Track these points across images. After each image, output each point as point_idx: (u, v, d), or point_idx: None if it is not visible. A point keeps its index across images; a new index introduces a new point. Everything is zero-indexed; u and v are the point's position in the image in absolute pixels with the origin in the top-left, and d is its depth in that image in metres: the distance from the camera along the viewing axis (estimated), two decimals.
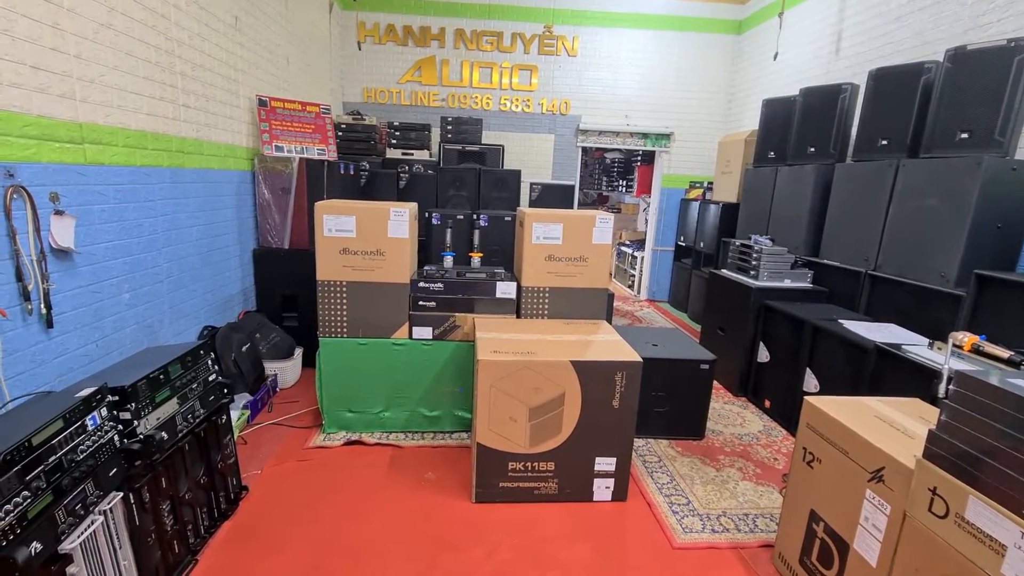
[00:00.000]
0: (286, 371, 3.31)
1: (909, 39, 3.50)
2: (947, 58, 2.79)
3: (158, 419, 1.67)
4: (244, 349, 2.95)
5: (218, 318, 3.11)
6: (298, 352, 3.45)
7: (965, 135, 2.69)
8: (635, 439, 2.81)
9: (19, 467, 1.20)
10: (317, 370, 2.72)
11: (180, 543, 1.79)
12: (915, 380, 2.24)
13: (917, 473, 1.37)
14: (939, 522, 1.30)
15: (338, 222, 2.56)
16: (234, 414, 2.67)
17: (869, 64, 3.66)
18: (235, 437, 2.50)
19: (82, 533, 1.33)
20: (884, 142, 3.20)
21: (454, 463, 2.55)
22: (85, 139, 2.02)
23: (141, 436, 1.58)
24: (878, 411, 1.75)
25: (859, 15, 4.01)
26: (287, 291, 3.55)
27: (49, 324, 1.86)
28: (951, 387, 1.32)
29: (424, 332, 2.72)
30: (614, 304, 5.69)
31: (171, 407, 1.74)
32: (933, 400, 1.89)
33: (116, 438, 1.51)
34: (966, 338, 2.02)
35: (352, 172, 4.56)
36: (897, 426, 1.64)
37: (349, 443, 2.68)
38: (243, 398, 2.84)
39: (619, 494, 2.31)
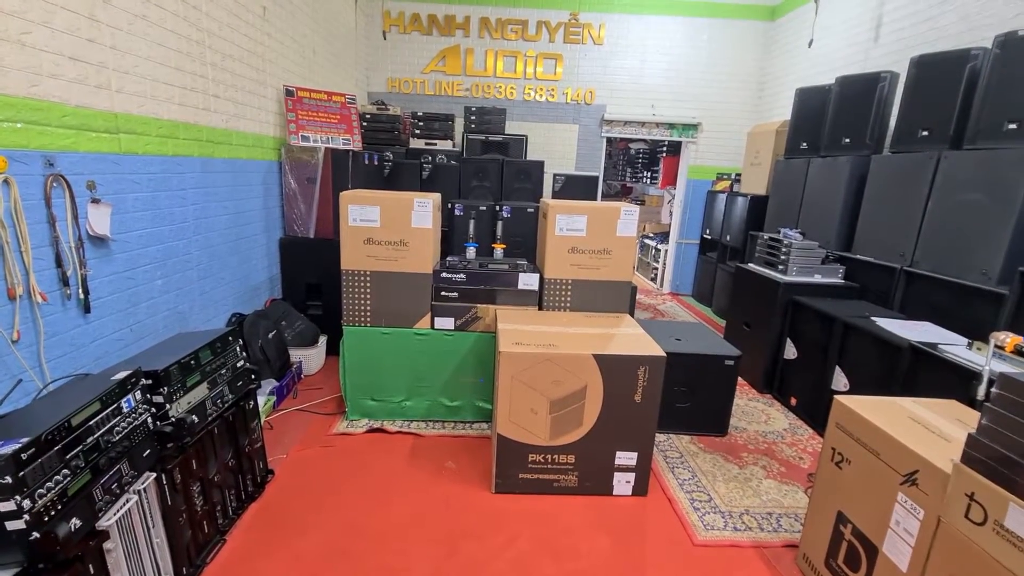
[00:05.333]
0: (310, 358, 3.37)
1: (954, 24, 3.34)
2: (996, 44, 2.65)
3: (189, 403, 1.72)
4: (270, 336, 3.01)
5: (245, 306, 3.17)
6: (322, 340, 3.50)
7: (1013, 125, 2.56)
8: (656, 434, 2.78)
9: (60, 446, 1.24)
10: (341, 358, 2.76)
11: (210, 523, 1.84)
12: (952, 381, 2.16)
13: (954, 478, 1.33)
14: (976, 529, 1.25)
15: (363, 212, 2.58)
16: (260, 400, 2.73)
17: (910, 51, 3.50)
18: (262, 422, 2.57)
19: (118, 511, 1.38)
20: (925, 133, 3.07)
21: (474, 453, 2.56)
22: (120, 129, 2.08)
23: (173, 419, 1.62)
24: (912, 412, 1.69)
25: None
26: (312, 280, 3.60)
27: (87, 309, 1.93)
28: (993, 390, 1.27)
29: (446, 322, 2.73)
30: (636, 297, 5.64)
31: (201, 391, 1.79)
32: (971, 402, 1.82)
33: (149, 420, 1.56)
34: (1008, 339, 1.94)
35: (376, 162, 4.59)
36: (932, 428, 1.59)
37: (371, 431, 2.72)
38: (269, 384, 2.90)
39: (639, 489, 2.29)
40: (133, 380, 1.52)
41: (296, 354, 3.29)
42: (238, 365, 2.04)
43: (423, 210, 2.61)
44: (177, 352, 1.76)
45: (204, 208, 2.70)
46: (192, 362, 1.76)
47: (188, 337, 1.99)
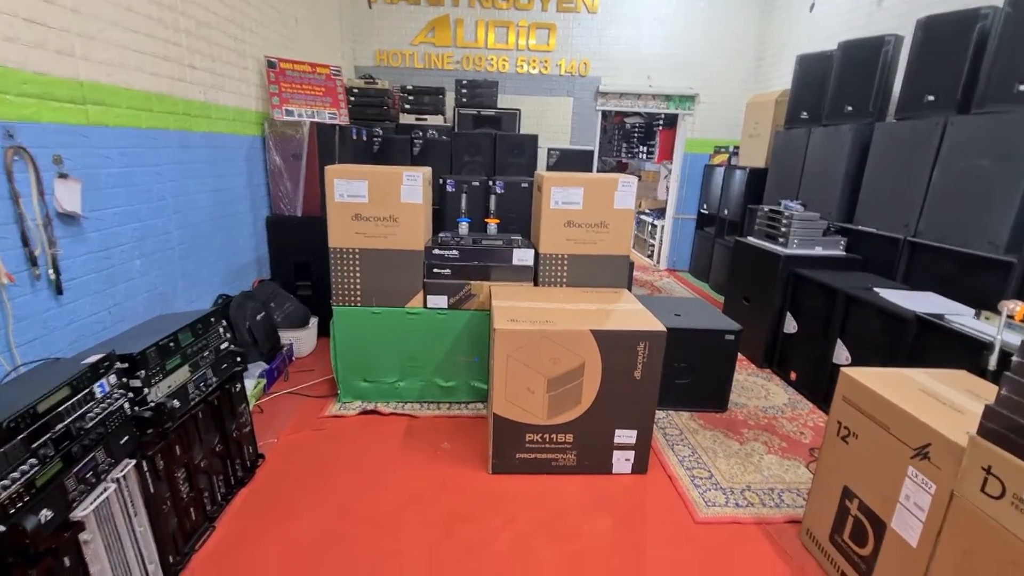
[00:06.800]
0: (301, 340, 3.29)
1: None
2: (1008, 2, 2.54)
3: (169, 387, 1.64)
4: (258, 318, 2.92)
5: (232, 286, 3.08)
6: (313, 321, 3.42)
7: None
8: (656, 411, 2.74)
9: (24, 435, 1.16)
10: (331, 339, 2.68)
11: (197, 510, 1.78)
12: (959, 352, 2.10)
13: (969, 450, 1.27)
14: (993, 503, 1.20)
15: (349, 187, 2.47)
16: (250, 383, 2.66)
17: (916, 13, 3.36)
18: (251, 406, 2.50)
19: (95, 501, 1.31)
20: (931, 98, 2.96)
21: (470, 434, 2.51)
22: (87, 99, 1.95)
23: (152, 404, 1.55)
24: (922, 384, 1.64)
25: None
26: (300, 260, 3.50)
27: (58, 290, 1.83)
28: (1015, 358, 1.20)
29: (439, 301, 2.65)
30: (633, 274, 5.57)
31: (182, 375, 1.71)
32: (981, 373, 1.77)
33: (126, 406, 1.48)
34: (1019, 307, 1.88)
35: (365, 138, 4.45)
36: (943, 400, 1.53)
37: (364, 412, 2.65)
38: (259, 367, 2.82)
39: (639, 467, 2.25)
40: (106, 364, 1.43)
41: (286, 336, 3.21)
42: (222, 347, 1.95)
43: (413, 184, 2.50)
44: (156, 334, 1.68)
45: (183, 185, 2.58)
46: (171, 344, 1.68)
47: (168, 319, 1.90)
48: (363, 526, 1.91)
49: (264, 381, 2.78)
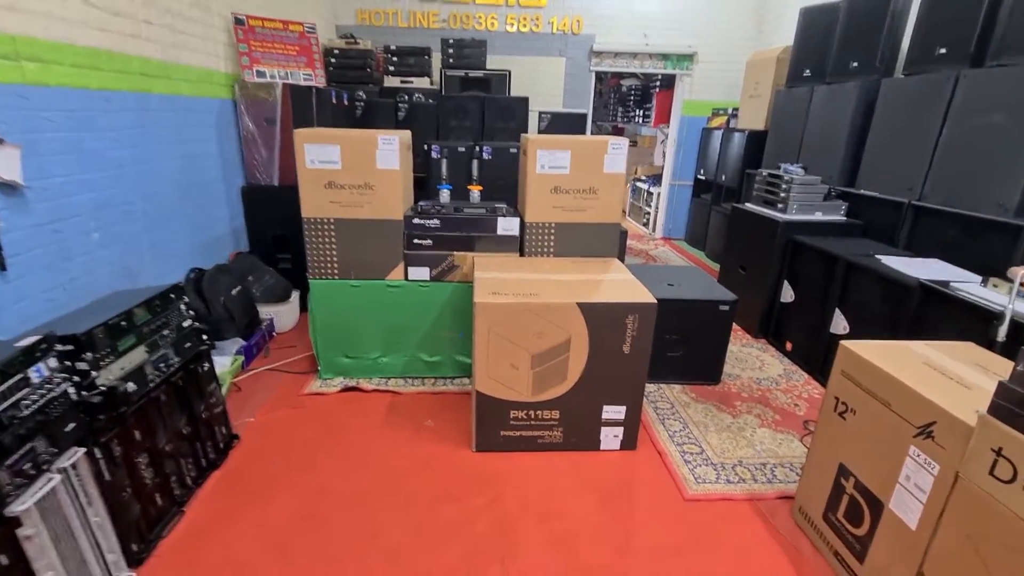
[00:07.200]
0: (282, 315, 3.18)
1: None
2: None
3: (123, 369, 1.53)
4: (234, 292, 2.80)
5: (207, 260, 2.94)
6: (295, 295, 3.30)
7: None
8: (646, 384, 2.66)
9: None
10: (309, 313, 2.57)
11: (163, 495, 1.70)
12: (966, 322, 2.00)
13: (979, 430, 1.18)
14: (1002, 487, 1.11)
15: (321, 152, 2.31)
16: (227, 360, 2.56)
17: None
18: (227, 384, 2.41)
19: (36, 494, 1.22)
20: (942, 51, 2.78)
21: (455, 410, 2.43)
22: (20, 55, 1.77)
23: (103, 388, 1.44)
24: (926, 357, 1.54)
25: None
26: (279, 231, 3.35)
27: (1, 266, 1.69)
28: None
29: (420, 273, 2.53)
30: (628, 243, 5.43)
31: (138, 355, 1.60)
32: (990, 344, 1.66)
33: (72, 391, 1.37)
34: None
35: (346, 101, 4.24)
36: (950, 375, 1.43)
37: (346, 389, 2.56)
38: (236, 343, 2.72)
39: (628, 443, 2.17)
40: (43, 346, 1.31)
41: (266, 311, 3.09)
42: (184, 325, 1.84)
43: (389, 148, 2.34)
44: (107, 313, 1.55)
45: (145, 151, 2.41)
46: (124, 323, 1.56)
47: (125, 295, 1.78)
48: (341, 507, 1.84)
49: (242, 358, 2.67)
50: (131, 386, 1.52)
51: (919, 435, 1.34)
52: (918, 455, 1.34)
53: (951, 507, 1.25)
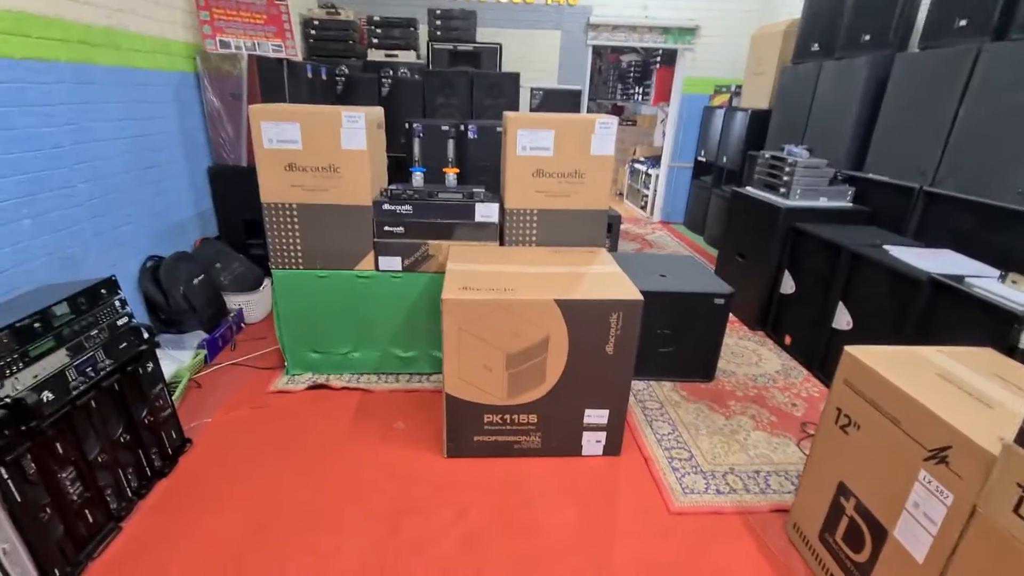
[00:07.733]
0: (252, 305, 3.00)
1: None
2: None
3: (35, 376, 1.36)
4: (196, 282, 2.62)
5: (167, 247, 2.75)
6: (267, 283, 3.12)
7: None
8: (635, 382, 2.50)
9: None
10: (274, 306, 2.39)
11: (96, 511, 1.55)
12: (981, 322, 1.82)
13: (1002, 460, 1.01)
14: None
15: (279, 130, 2.11)
16: (186, 355, 2.39)
17: None
18: (185, 381, 2.25)
19: None
20: (962, 23, 2.55)
21: (428, 409, 2.27)
22: None
23: (7, 400, 1.27)
24: (941, 367, 1.37)
25: None
26: (249, 215, 3.15)
27: None
28: None
29: (392, 263, 2.34)
30: (623, 227, 5.21)
31: (57, 360, 1.43)
32: (1010, 351, 1.49)
33: None
34: None
35: (325, 76, 4.00)
36: (968, 389, 1.27)
37: (314, 387, 2.40)
38: (198, 336, 2.55)
39: (612, 448, 2.02)
40: None
41: (235, 300, 2.92)
42: (119, 323, 1.66)
43: (354, 126, 2.13)
44: (18, 313, 1.38)
45: (86, 130, 2.20)
46: (37, 324, 1.39)
47: (49, 291, 1.60)
48: (296, 521, 1.69)
49: (204, 352, 2.51)
50: (47, 395, 1.36)
51: (931, 459, 1.17)
52: (929, 481, 1.18)
53: (966, 543, 1.09)
